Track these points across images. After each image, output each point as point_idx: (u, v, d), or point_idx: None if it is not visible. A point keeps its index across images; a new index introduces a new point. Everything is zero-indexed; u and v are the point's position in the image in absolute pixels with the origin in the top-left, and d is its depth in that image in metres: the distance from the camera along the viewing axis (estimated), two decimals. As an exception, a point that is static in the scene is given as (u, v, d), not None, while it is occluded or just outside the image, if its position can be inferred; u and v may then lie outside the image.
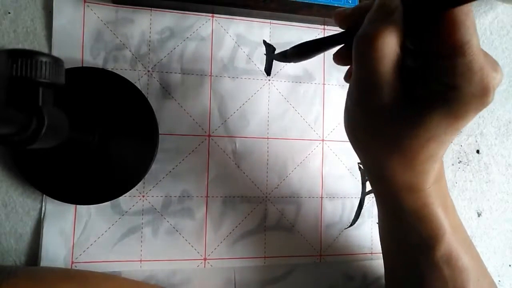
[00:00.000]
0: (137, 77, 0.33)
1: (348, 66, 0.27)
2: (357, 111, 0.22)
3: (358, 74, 0.21)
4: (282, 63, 0.36)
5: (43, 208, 0.31)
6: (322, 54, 0.37)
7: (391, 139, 0.21)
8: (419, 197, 0.23)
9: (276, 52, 0.33)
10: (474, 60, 0.18)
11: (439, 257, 0.25)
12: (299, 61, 0.29)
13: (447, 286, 0.25)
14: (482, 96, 0.19)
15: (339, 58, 0.25)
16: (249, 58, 0.36)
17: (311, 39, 0.25)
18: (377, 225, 0.38)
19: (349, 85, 0.23)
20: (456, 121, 0.20)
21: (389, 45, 0.19)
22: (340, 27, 0.24)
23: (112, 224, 0.32)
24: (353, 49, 0.21)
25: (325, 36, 0.25)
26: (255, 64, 0.36)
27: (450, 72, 0.19)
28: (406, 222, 0.24)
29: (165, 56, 0.34)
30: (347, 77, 0.28)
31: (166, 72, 0.34)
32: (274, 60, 0.36)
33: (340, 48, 0.25)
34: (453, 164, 0.41)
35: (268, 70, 0.35)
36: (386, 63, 0.19)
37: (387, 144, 0.22)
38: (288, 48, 0.27)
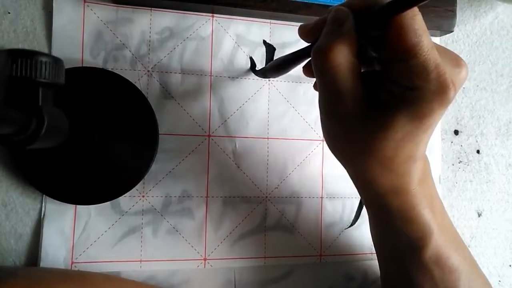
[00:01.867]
0: (137, 77, 0.33)
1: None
2: (327, 120, 0.23)
3: (320, 85, 0.22)
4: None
5: (43, 208, 0.31)
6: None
7: (364, 144, 0.21)
8: (404, 200, 0.23)
9: (257, 68, 0.34)
10: (427, 59, 0.19)
11: (427, 258, 0.25)
12: (277, 76, 0.32)
13: (438, 287, 0.25)
14: (442, 92, 0.19)
15: (307, 71, 0.26)
16: (249, 58, 0.36)
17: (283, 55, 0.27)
18: (377, 225, 0.38)
19: (318, 100, 0.23)
20: (422, 120, 0.20)
21: (342, 55, 0.20)
22: (306, 42, 0.24)
23: (112, 224, 0.32)
24: (312, 63, 0.22)
25: (292, 52, 0.26)
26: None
27: (407, 74, 0.19)
28: (394, 225, 0.24)
29: (165, 56, 0.34)
30: (315, 87, 0.28)
31: (166, 72, 0.34)
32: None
33: (308, 62, 0.26)
34: (453, 164, 0.41)
35: (254, 69, 0.35)
36: (342, 72, 0.20)
37: (362, 150, 0.22)
38: (267, 64, 0.29)
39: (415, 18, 0.19)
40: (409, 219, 0.24)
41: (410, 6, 0.18)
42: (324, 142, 0.37)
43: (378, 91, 0.21)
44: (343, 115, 0.21)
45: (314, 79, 0.27)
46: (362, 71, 0.22)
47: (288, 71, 0.28)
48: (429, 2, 0.18)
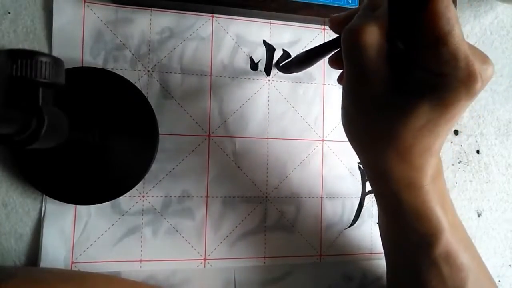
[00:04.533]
0: (137, 77, 0.33)
1: (341, 70, 0.28)
2: (350, 105, 0.23)
3: (348, 66, 0.22)
4: (281, 64, 0.36)
5: (43, 208, 0.31)
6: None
7: (384, 131, 0.22)
8: (417, 195, 0.23)
9: (280, 63, 0.35)
10: (458, 48, 0.19)
11: (437, 255, 0.25)
12: (300, 71, 0.32)
13: (446, 284, 0.25)
14: (469, 82, 0.19)
15: (334, 62, 0.27)
16: (249, 58, 0.36)
17: (307, 48, 0.28)
18: (377, 225, 0.38)
19: (343, 85, 0.24)
20: (446, 109, 0.20)
21: (373, 36, 0.20)
22: (335, 32, 0.25)
23: (112, 224, 0.32)
24: (342, 44, 0.22)
25: (319, 44, 0.27)
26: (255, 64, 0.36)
27: (436, 61, 0.20)
28: (405, 220, 0.24)
29: (165, 56, 0.34)
30: (340, 79, 0.29)
31: (166, 72, 0.34)
32: (273, 61, 0.36)
33: (335, 53, 0.26)
34: (453, 164, 0.41)
35: (277, 65, 0.35)
36: (371, 53, 0.21)
37: (381, 136, 0.22)
38: (286, 54, 0.29)
39: (449, 7, 0.19)
40: (420, 215, 0.24)
41: None
42: (324, 142, 0.37)
43: (403, 77, 0.21)
44: (368, 97, 0.22)
45: (339, 72, 0.28)
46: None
47: (313, 64, 0.28)
48: None
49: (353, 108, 0.23)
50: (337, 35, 0.25)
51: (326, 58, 0.28)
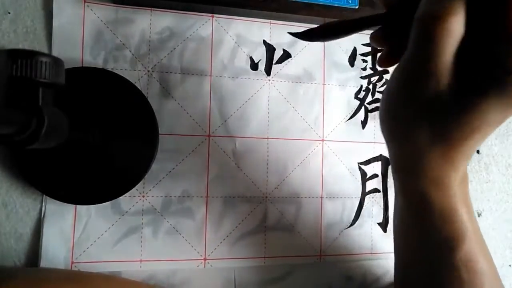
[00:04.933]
0: (137, 77, 0.33)
1: (382, 50, 0.26)
2: (403, 96, 0.21)
3: (417, 57, 0.20)
4: (281, 64, 0.36)
5: (43, 208, 0.31)
6: (322, 54, 0.37)
7: (437, 126, 0.20)
8: (446, 195, 0.23)
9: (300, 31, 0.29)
10: None
11: (458, 259, 0.24)
12: (325, 41, 0.28)
13: None
14: None
15: (378, 40, 0.24)
16: (249, 58, 0.36)
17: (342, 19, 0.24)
18: (377, 225, 0.38)
19: (396, 69, 0.22)
20: (508, 109, 0.19)
21: (458, 25, 0.18)
22: (384, 5, 0.23)
23: (112, 224, 0.32)
24: (416, 30, 0.19)
25: (363, 16, 0.24)
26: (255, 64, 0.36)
27: (510, 56, 0.18)
28: (430, 220, 0.24)
29: (165, 56, 0.34)
30: (382, 61, 0.26)
31: (166, 72, 0.34)
32: (273, 61, 0.36)
33: (380, 30, 0.24)
34: (453, 164, 0.41)
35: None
36: (453, 43, 0.19)
37: (432, 132, 0.21)
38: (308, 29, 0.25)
39: None
40: (447, 216, 0.23)
41: None
42: (324, 142, 0.37)
43: (468, 71, 0.20)
44: (430, 92, 0.20)
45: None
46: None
47: (341, 37, 0.25)
48: None
49: (406, 98, 0.21)
50: (382, 11, 0.23)
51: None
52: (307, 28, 0.25)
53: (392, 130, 0.23)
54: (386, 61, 0.25)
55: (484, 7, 0.19)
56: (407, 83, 0.21)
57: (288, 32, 0.29)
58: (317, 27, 0.25)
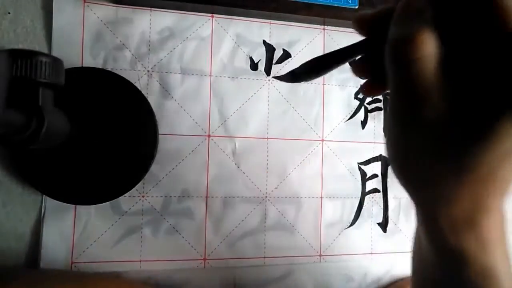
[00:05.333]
0: (137, 77, 0.33)
1: (365, 80, 0.24)
2: (402, 134, 0.19)
3: (400, 85, 0.18)
4: (281, 64, 0.36)
5: (43, 208, 0.31)
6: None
7: (454, 162, 0.17)
8: (478, 235, 0.19)
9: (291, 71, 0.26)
10: None
11: None
12: (311, 79, 0.25)
13: None
14: None
15: (359, 70, 0.22)
16: (249, 58, 0.36)
17: (322, 53, 0.23)
18: (377, 225, 0.38)
19: (388, 106, 0.20)
20: None
21: (430, 44, 0.17)
22: (361, 34, 0.21)
23: (112, 224, 0.32)
24: (389, 57, 0.18)
25: (339, 48, 0.22)
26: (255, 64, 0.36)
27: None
28: (462, 272, 0.19)
29: (165, 56, 0.34)
30: (365, 90, 0.23)
31: (166, 72, 0.34)
32: (273, 61, 0.36)
33: (359, 59, 0.22)
34: (453, 164, 0.41)
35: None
36: (430, 65, 0.17)
37: (448, 171, 0.18)
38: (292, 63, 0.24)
39: None
40: (485, 269, 0.19)
41: None
42: (324, 142, 0.37)
43: (469, 91, 0.17)
44: (428, 120, 0.18)
45: (362, 81, 0.23)
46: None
47: (327, 72, 0.23)
48: None
49: (407, 137, 0.19)
50: (362, 38, 0.21)
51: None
52: (291, 70, 0.24)
53: (403, 180, 0.20)
54: (368, 91, 0.23)
55: (463, 18, 0.17)
56: (400, 115, 0.19)
57: (273, 77, 0.31)
58: (302, 65, 0.23)
